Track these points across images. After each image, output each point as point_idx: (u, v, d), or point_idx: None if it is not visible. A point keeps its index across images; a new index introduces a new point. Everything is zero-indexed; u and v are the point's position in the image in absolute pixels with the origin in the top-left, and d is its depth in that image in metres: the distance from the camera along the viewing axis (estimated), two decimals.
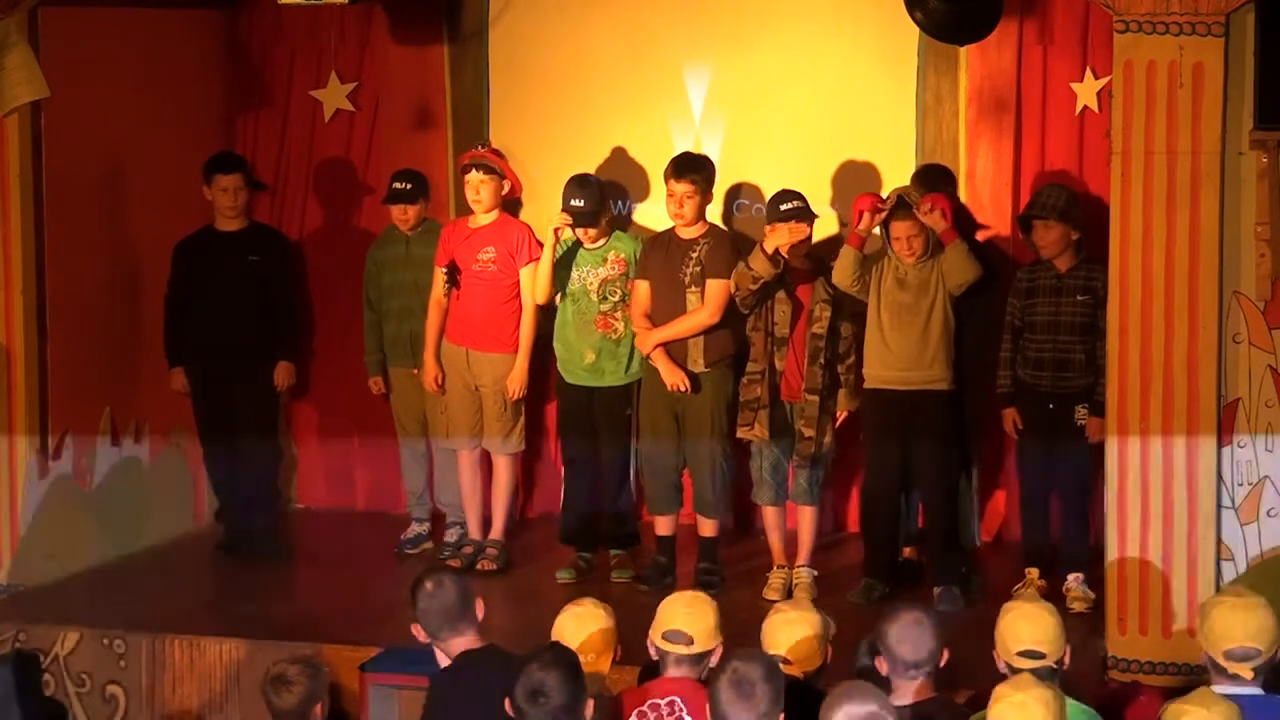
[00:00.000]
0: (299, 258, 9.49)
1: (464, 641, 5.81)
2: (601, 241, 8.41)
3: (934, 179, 8.29)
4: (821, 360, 8.00)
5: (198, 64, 9.45)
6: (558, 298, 8.43)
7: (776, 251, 7.88)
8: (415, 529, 9.03)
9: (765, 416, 8.06)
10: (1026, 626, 5.67)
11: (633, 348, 8.34)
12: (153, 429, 9.10)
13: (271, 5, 8.77)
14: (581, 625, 5.88)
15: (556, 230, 8.30)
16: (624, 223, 8.94)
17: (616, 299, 8.36)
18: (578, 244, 8.42)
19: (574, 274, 8.39)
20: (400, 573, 8.58)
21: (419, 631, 5.86)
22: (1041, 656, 5.60)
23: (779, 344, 8.04)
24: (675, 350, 8.20)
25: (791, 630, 5.78)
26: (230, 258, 8.85)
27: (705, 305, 8.15)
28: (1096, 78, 8.56)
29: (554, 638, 5.80)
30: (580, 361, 8.40)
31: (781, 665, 5.64)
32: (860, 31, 8.85)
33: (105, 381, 8.81)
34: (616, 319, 8.36)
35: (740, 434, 8.15)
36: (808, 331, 8.03)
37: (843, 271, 7.94)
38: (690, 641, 5.72)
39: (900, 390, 7.97)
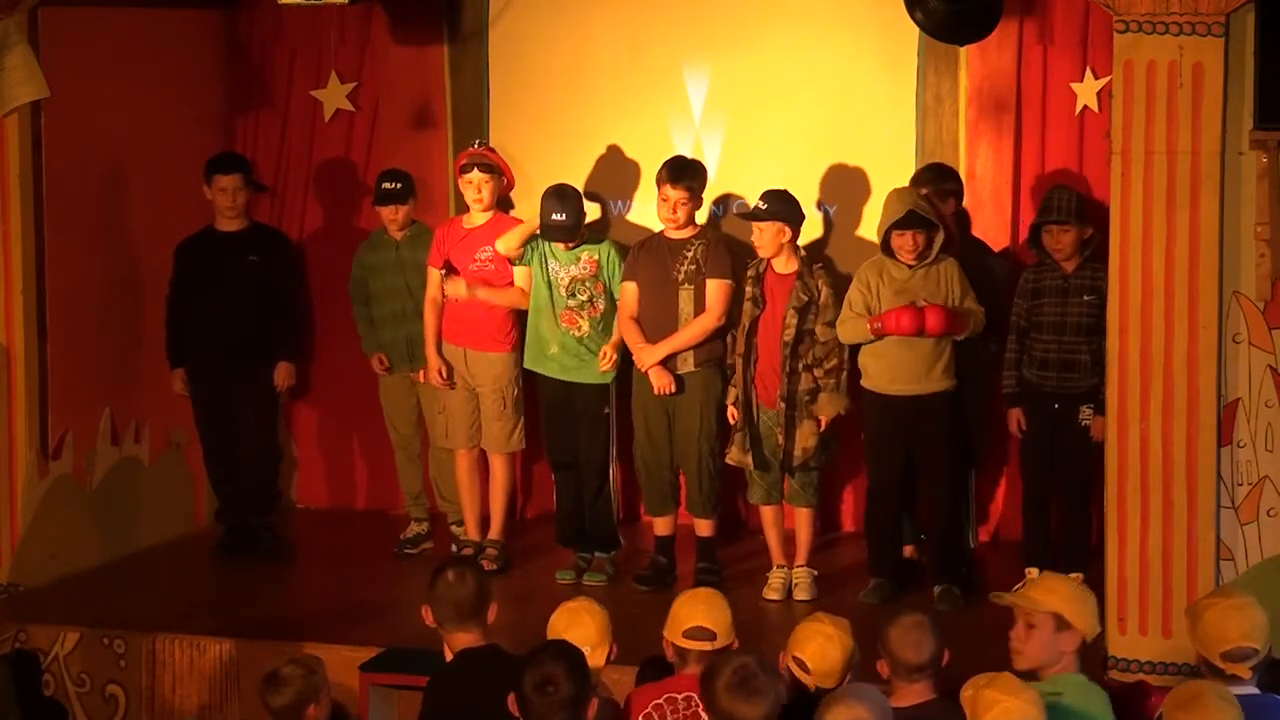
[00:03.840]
0: (299, 258, 9.49)
1: (467, 638, 5.80)
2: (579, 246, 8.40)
3: (940, 178, 8.28)
4: (793, 367, 7.99)
5: (198, 64, 9.45)
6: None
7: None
8: (414, 528, 9.04)
9: (743, 439, 8.08)
10: None
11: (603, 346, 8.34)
12: (153, 429, 9.11)
13: (271, 5, 8.77)
14: (576, 621, 5.88)
15: (534, 230, 8.32)
16: (608, 226, 8.91)
17: (584, 298, 8.36)
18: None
19: (548, 267, 8.39)
20: (400, 573, 8.60)
21: (427, 614, 5.86)
22: None
23: (750, 349, 8.04)
24: None
25: (826, 645, 5.71)
26: (230, 258, 8.84)
27: (709, 309, 8.17)
28: (1096, 78, 8.56)
29: (549, 634, 5.79)
30: (545, 350, 8.40)
31: (800, 672, 5.63)
32: (860, 32, 8.85)
33: (105, 381, 8.80)
34: (581, 317, 8.36)
35: (729, 459, 8.17)
36: (780, 338, 8.03)
37: (853, 341, 7.97)
38: (714, 636, 5.73)
39: (904, 395, 7.96)
